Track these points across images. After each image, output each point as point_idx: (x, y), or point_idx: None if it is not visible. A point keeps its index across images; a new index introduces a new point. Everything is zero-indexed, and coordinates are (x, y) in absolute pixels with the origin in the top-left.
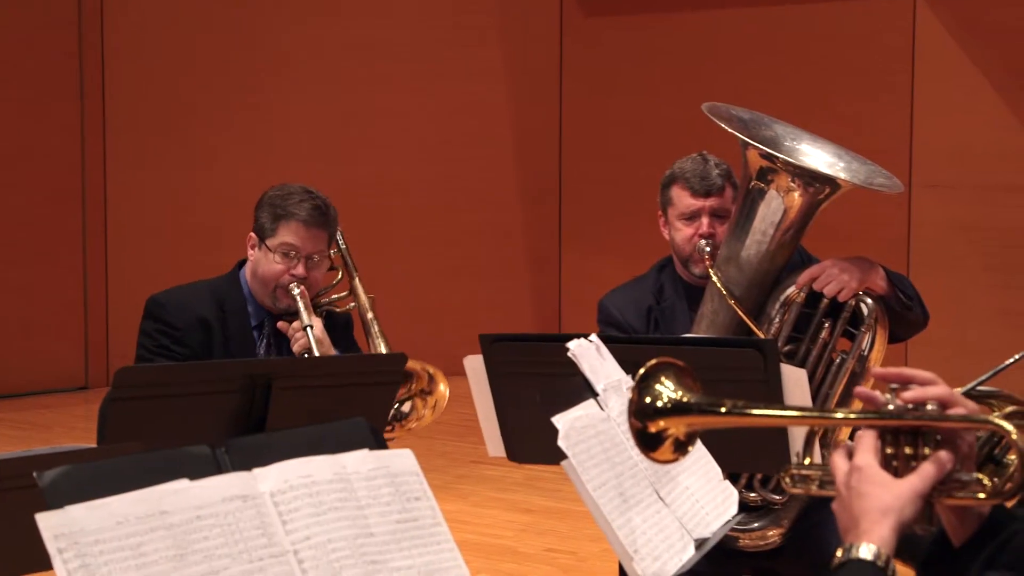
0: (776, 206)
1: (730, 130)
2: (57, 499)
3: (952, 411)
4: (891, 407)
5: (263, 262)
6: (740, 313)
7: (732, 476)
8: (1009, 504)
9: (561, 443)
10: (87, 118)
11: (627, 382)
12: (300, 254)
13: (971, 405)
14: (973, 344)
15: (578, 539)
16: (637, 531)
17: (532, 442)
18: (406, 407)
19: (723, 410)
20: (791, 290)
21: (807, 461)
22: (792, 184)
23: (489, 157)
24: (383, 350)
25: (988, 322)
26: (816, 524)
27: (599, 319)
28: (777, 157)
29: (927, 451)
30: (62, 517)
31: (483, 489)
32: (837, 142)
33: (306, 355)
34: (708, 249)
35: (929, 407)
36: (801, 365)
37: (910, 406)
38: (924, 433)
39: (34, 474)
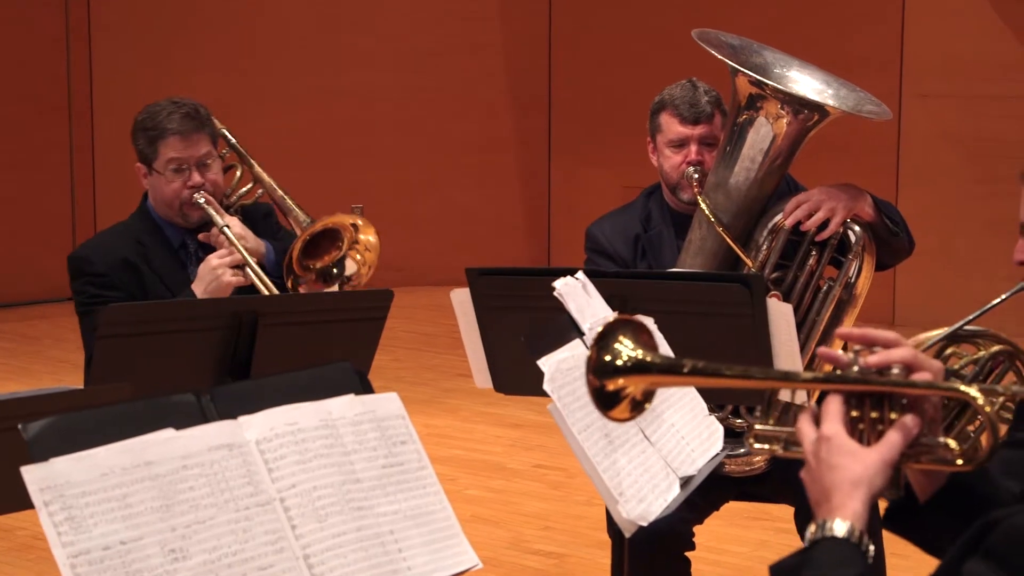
0: (765, 133)
1: (720, 57)
2: (42, 452)
3: (918, 375)
4: (856, 369)
5: (159, 186)
6: (728, 240)
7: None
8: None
9: (547, 387)
10: (72, 27)
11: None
12: (189, 164)
13: (936, 366)
14: (962, 254)
15: (567, 455)
16: (622, 473)
17: (519, 374)
18: (349, 267)
19: (685, 370)
20: (779, 217)
21: (770, 422)
22: (781, 111)
23: (478, 66)
24: (302, 218)
25: (976, 232)
26: None
27: (587, 247)
28: (766, 84)
29: (893, 416)
30: (47, 470)
31: (472, 403)
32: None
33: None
34: (696, 176)
35: (894, 371)
36: (788, 292)
37: (875, 370)
38: (890, 397)
39: (19, 426)
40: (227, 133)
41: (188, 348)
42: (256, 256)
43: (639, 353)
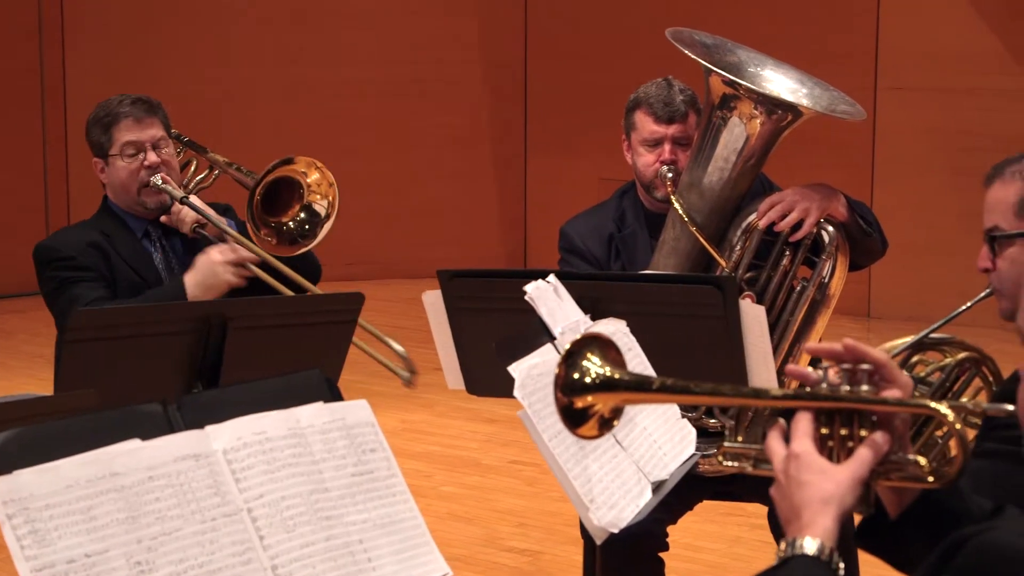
0: (738, 133)
1: (693, 56)
2: (5, 464)
3: (887, 392)
4: (824, 385)
5: (116, 173)
6: (702, 240)
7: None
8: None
9: (517, 393)
10: (45, 19)
11: (585, 322)
12: (144, 146)
13: (906, 381)
14: (937, 248)
15: None
16: (594, 479)
17: (492, 376)
18: (319, 210)
19: (653, 387)
20: (752, 217)
21: (739, 438)
22: (755, 111)
23: (454, 59)
24: (256, 175)
25: (951, 224)
26: None
27: (560, 246)
28: (740, 84)
29: (863, 432)
30: (11, 483)
31: (447, 398)
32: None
33: (198, 228)
34: (670, 175)
35: (864, 388)
36: (762, 292)
37: (844, 386)
38: (859, 414)
39: None
40: (177, 134)
41: (157, 352)
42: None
43: (607, 370)
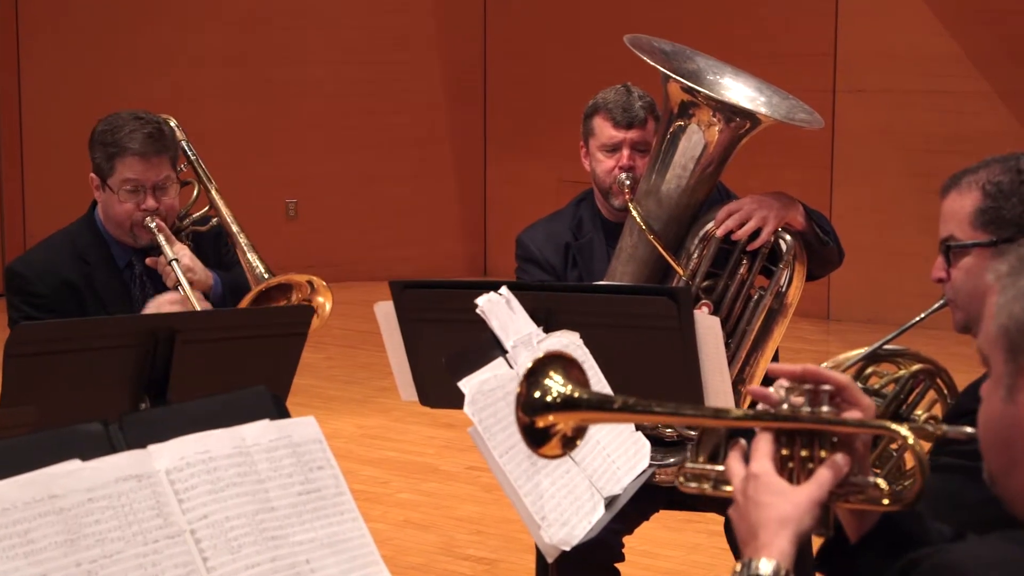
0: (697, 140)
1: (652, 63)
2: None
3: (848, 413)
4: (785, 406)
5: (111, 203)
6: (659, 248)
7: None
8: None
9: (467, 409)
10: None
11: (537, 334)
12: (145, 186)
13: (867, 402)
14: (896, 249)
15: None
16: (545, 496)
17: (445, 387)
18: None
19: (615, 406)
20: (710, 225)
21: (700, 459)
22: (713, 119)
23: (412, 59)
24: (256, 264)
25: (910, 226)
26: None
27: (517, 254)
28: (698, 91)
29: (823, 453)
30: None
31: (404, 403)
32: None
33: (180, 288)
34: (628, 182)
35: (824, 409)
36: (719, 301)
37: (805, 407)
38: (820, 435)
39: None
40: (189, 150)
41: (103, 367)
42: (203, 288)
43: (568, 389)
